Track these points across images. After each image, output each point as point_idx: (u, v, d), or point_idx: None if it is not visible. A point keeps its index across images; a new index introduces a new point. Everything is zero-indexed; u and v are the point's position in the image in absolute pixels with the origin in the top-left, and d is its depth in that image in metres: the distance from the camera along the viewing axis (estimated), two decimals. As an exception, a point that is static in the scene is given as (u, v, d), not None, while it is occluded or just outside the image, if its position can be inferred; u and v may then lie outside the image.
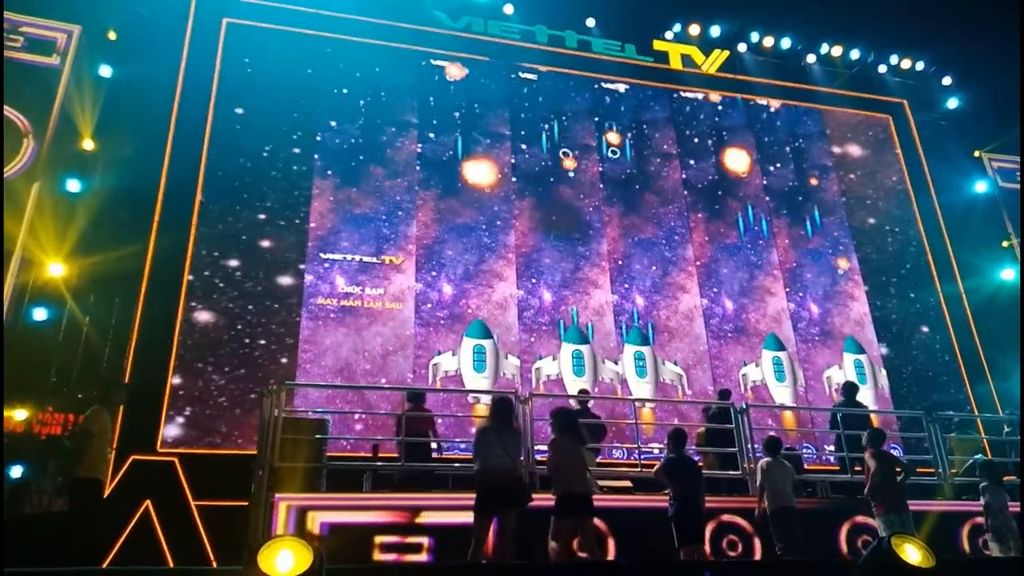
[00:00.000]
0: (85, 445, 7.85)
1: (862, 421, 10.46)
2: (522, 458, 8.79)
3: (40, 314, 11.38)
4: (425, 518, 7.97)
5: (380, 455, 10.44)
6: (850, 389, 11.25)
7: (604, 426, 10.94)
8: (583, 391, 11.91)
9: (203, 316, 12.16)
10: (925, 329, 16.10)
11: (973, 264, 16.82)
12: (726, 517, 8.87)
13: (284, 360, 12.27)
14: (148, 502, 10.16)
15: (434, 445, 9.88)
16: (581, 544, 7.40)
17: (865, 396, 14.01)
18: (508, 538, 7.09)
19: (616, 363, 13.89)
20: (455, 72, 15.47)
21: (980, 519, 9.31)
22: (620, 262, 14.84)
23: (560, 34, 17.02)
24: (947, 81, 19.13)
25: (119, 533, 9.88)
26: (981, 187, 18.00)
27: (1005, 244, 17.35)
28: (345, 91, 14.67)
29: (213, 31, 14.14)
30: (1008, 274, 16.83)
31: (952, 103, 19.00)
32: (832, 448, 13.45)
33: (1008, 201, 17.91)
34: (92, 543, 8.37)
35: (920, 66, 19.12)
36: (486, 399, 11.52)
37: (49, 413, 10.91)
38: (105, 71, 12.99)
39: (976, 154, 18.48)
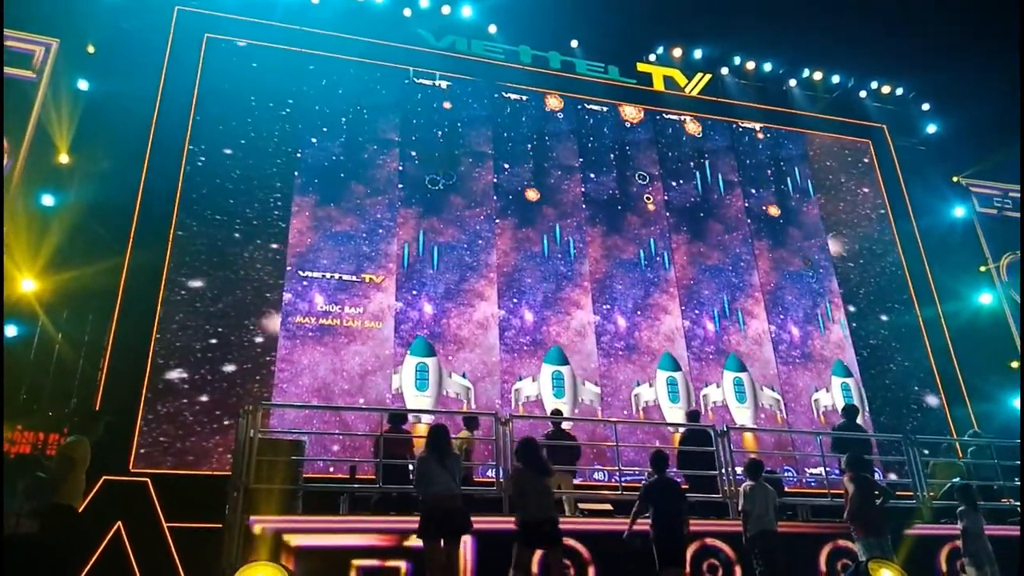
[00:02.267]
0: (67, 473, 7.69)
1: (862, 444, 10.50)
2: (501, 479, 8.79)
3: (11, 331, 11.17)
4: (403, 541, 7.85)
5: (357, 477, 10.31)
6: (851, 412, 11.32)
7: (579, 447, 10.85)
8: (556, 411, 11.82)
9: (178, 334, 11.98)
10: (904, 352, 16.17)
11: (952, 288, 16.98)
12: (707, 541, 8.80)
13: (260, 379, 12.10)
14: (120, 524, 9.96)
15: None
16: (554, 570, 7.36)
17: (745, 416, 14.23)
18: (455, 564, 7.20)
19: (596, 384, 13.84)
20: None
21: (958, 543, 9.31)
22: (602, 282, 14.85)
23: (544, 55, 17.09)
24: (926, 107, 19.39)
25: (89, 556, 9.67)
26: (959, 212, 18.21)
27: (983, 268, 17.53)
28: (327, 108, 14.62)
29: (194, 46, 14.05)
30: (986, 298, 17.00)
31: (931, 129, 19.25)
32: (816, 471, 13.52)
33: (985, 226, 18.14)
34: (61, 566, 8.17)
35: (900, 92, 19.39)
36: (427, 419, 11.50)
37: (18, 431, 10.70)
38: (83, 85, 12.89)
39: (955, 179, 18.71)
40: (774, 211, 17.01)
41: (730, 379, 14.66)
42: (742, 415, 14.31)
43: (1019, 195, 18.20)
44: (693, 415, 11.79)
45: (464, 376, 13.15)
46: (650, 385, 14.07)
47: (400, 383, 12.81)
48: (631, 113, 16.84)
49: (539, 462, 7.59)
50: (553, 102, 16.49)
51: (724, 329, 15.15)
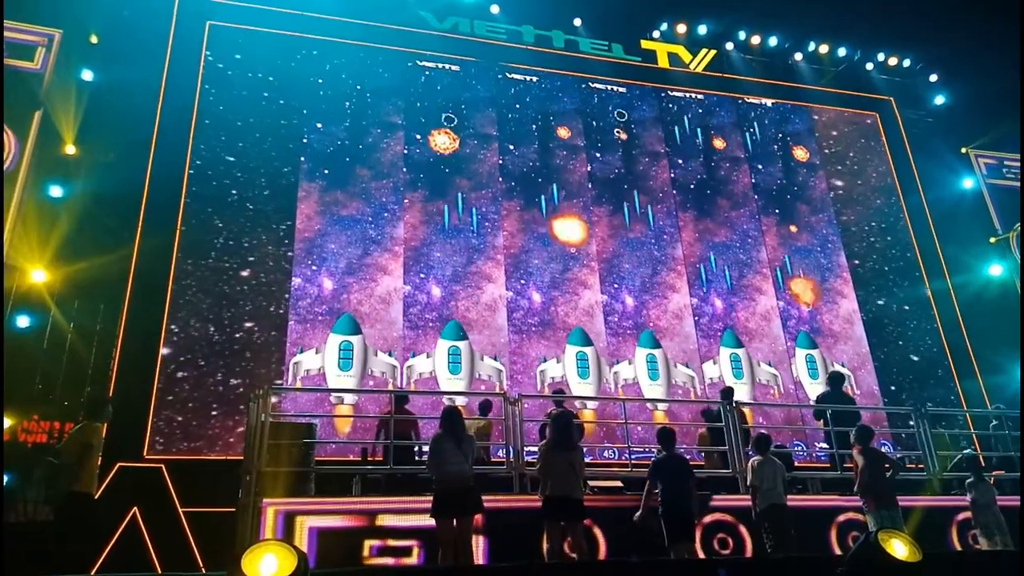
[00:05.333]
0: (85, 459, 7.76)
1: (851, 413, 10.46)
2: (512, 459, 8.84)
3: (23, 321, 11.28)
4: (414, 521, 7.91)
5: (369, 459, 10.38)
6: (836, 379, 11.19)
7: (581, 425, 10.87)
8: (558, 391, 11.83)
9: (188, 321, 12.06)
10: (914, 325, 16.12)
11: (961, 260, 16.89)
12: (716, 515, 8.84)
13: (271, 364, 12.18)
14: (135, 509, 10.07)
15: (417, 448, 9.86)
16: (572, 545, 7.41)
17: (816, 391, 14.10)
18: (469, 542, 7.25)
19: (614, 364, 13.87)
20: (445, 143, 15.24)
21: (969, 514, 9.33)
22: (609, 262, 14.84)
23: (547, 34, 16.99)
24: (934, 78, 19.21)
25: (107, 541, 9.79)
26: (968, 183, 18.08)
27: (992, 240, 17.40)
28: (331, 93, 14.60)
29: (196, 34, 14.04)
30: (996, 270, 16.91)
31: (939, 100, 19.09)
32: (826, 445, 13.52)
33: (995, 197, 18.00)
34: (79, 551, 8.29)
35: (907, 63, 19.20)
36: (460, 400, 11.56)
37: (34, 421, 10.81)
38: (87, 75, 12.90)
39: (963, 151, 18.56)
40: (781, 186, 16.93)
41: (726, 355, 14.64)
42: (739, 391, 14.24)
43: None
44: (726, 392, 11.53)
45: (496, 359, 13.21)
46: (629, 363, 14.05)
47: (433, 367, 12.87)
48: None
49: (564, 438, 7.65)
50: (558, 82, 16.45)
51: (732, 306, 15.13)
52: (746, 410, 13.74)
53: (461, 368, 13.02)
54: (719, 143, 16.98)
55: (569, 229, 14.91)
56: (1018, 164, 18.38)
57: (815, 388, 14.41)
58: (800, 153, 17.51)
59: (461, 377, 12.95)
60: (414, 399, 10.91)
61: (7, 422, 10.58)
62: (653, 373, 14.00)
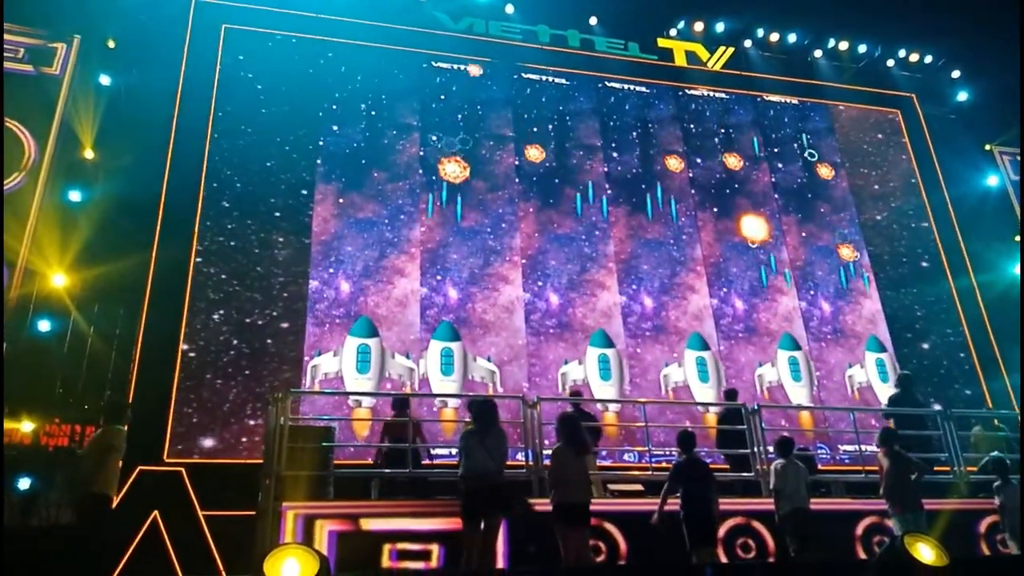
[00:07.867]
0: (108, 461, 7.81)
1: (918, 416, 10.34)
2: (531, 462, 8.76)
3: (44, 325, 11.35)
4: (434, 524, 7.89)
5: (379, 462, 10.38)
6: (905, 381, 11.03)
7: (599, 429, 10.80)
8: (575, 393, 11.71)
9: (207, 324, 12.08)
10: (938, 325, 15.88)
11: (986, 258, 16.62)
12: (740, 519, 8.75)
13: (289, 367, 12.18)
14: (156, 513, 10.11)
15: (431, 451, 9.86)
16: (581, 549, 7.36)
17: (887, 394, 13.88)
18: (491, 544, 7.12)
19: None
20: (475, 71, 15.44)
21: (996, 517, 9.18)
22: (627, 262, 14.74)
23: (562, 33, 16.91)
24: (956, 74, 18.93)
25: (128, 544, 9.83)
26: (992, 181, 17.82)
27: (1017, 238, 17.13)
28: (346, 95, 14.60)
29: (212, 37, 14.08)
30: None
31: (962, 96, 18.81)
32: (850, 448, 13.34)
33: (1020, 194, 17.73)
34: (101, 555, 8.32)
35: (928, 60, 18.92)
36: (453, 402, 11.54)
37: (56, 424, 10.88)
38: (105, 80, 12.97)
39: (987, 147, 18.30)
40: (802, 184, 16.76)
41: (784, 358, 14.48)
42: (799, 394, 14.13)
43: None
44: (730, 394, 11.50)
45: (489, 359, 13.12)
46: (679, 365, 13.93)
47: (340, 366, 12.69)
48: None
49: (580, 441, 7.58)
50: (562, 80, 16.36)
51: (753, 307, 14.97)
52: (804, 414, 13.67)
53: (454, 370, 12.90)
54: (738, 142, 16.82)
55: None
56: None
57: (886, 390, 14.08)
58: (821, 152, 17.31)
59: (454, 379, 12.81)
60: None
61: (30, 425, 10.65)
62: (703, 375, 13.87)
